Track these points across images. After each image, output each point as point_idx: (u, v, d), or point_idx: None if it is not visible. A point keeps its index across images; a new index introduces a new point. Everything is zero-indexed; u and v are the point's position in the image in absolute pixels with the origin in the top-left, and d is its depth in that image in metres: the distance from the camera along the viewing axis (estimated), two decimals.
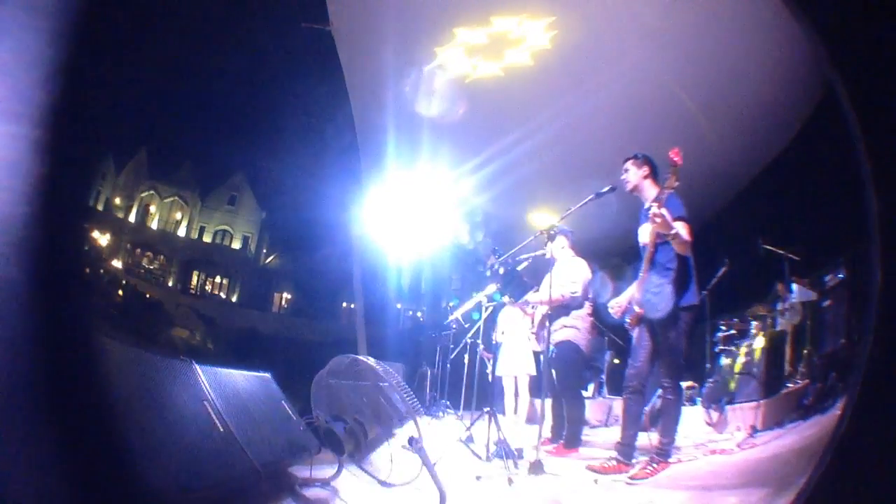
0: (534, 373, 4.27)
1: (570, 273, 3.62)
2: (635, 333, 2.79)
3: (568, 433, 3.52)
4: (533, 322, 4.13)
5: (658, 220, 2.46)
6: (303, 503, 2.04)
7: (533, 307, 4.10)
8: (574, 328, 3.58)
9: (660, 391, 2.98)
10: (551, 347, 3.50)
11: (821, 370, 3.26)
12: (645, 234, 2.70)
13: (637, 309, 2.75)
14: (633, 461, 2.69)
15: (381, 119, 5.35)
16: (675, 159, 2.39)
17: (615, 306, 2.90)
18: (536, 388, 4.31)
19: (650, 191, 2.79)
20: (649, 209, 2.57)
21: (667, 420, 2.67)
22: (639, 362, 2.74)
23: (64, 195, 1.11)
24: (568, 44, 4.22)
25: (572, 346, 3.55)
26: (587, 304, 3.69)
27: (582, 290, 3.62)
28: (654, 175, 2.83)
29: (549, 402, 3.63)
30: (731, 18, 3.67)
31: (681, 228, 2.56)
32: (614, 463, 2.67)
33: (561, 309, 3.60)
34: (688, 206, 2.69)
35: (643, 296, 2.71)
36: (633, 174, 2.85)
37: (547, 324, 3.49)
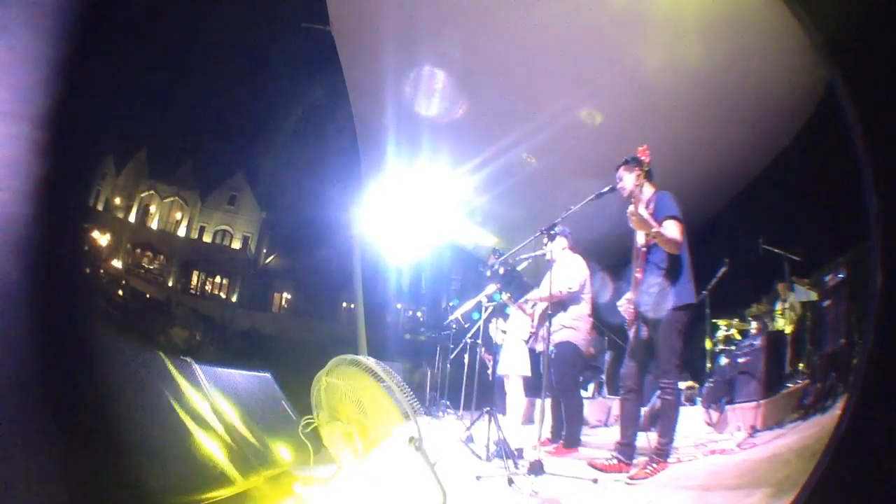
0: (526, 374, 4.27)
1: (567, 270, 3.63)
2: (631, 333, 2.80)
3: (567, 433, 3.52)
4: (532, 321, 4.13)
5: (633, 218, 2.47)
6: (303, 503, 2.04)
7: (533, 305, 4.11)
8: (574, 329, 3.59)
9: (658, 391, 2.98)
10: (550, 347, 3.50)
11: (821, 370, 3.26)
12: (640, 234, 2.72)
13: (632, 308, 2.75)
14: (634, 461, 2.69)
15: (381, 119, 5.35)
16: (642, 158, 2.44)
17: (623, 304, 2.89)
18: (535, 388, 4.31)
19: (647, 192, 2.79)
20: (647, 205, 2.58)
21: (665, 420, 2.67)
22: (634, 362, 2.74)
23: (64, 195, 1.11)
24: (568, 43, 4.22)
25: (571, 347, 3.55)
26: (587, 304, 3.69)
27: (579, 286, 3.62)
28: (649, 176, 2.83)
29: (549, 402, 3.64)
30: (731, 18, 3.67)
31: (671, 227, 2.56)
32: (615, 462, 2.67)
33: (560, 307, 3.60)
34: (687, 206, 2.69)
35: (639, 296, 2.71)
36: (628, 179, 2.84)
37: (547, 324, 3.50)
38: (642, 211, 2.47)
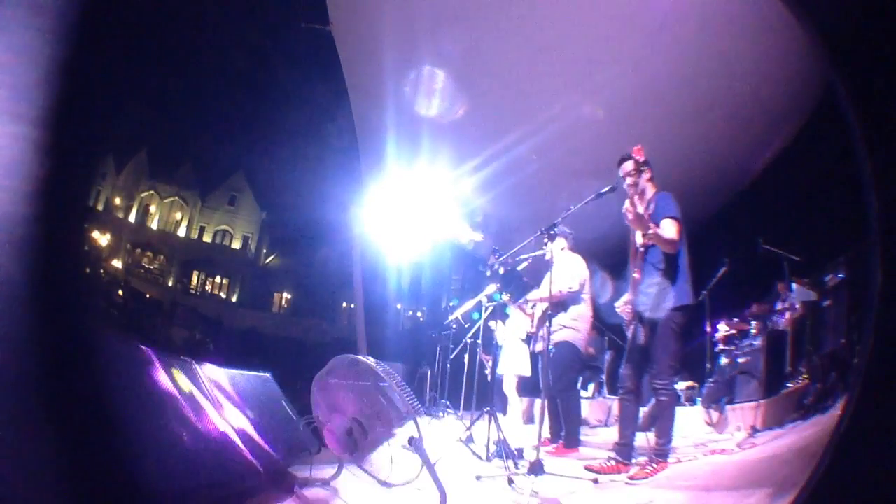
0: (525, 374, 4.26)
1: (567, 270, 3.62)
2: (629, 333, 2.80)
3: (566, 434, 3.52)
4: (532, 321, 4.13)
5: (630, 215, 2.47)
6: (303, 503, 2.04)
7: (533, 305, 4.11)
8: (573, 329, 3.58)
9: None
10: (550, 347, 3.50)
11: (821, 370, 3.26)
12: (637, 234, 2.72)
13: (630, 308, 2.75)
14: (632, 461, 2.68)
15: (381, 119, 5.35)
16: (637, 157, 2.44)
17: (621, 305, 2.89)
18: (536, 388, 4.31)
19: (649, 192, 2.79)
20: (646, 207, 2.58)
21: (662, 421, 2.67)
22: (632, 362, 2.74)
23: (64, 195, 1.11)
24: (568, 43, 4.22)
25: (570, 347, 3.55)
26: (587, 304, 3.69)
27: (579, 286, 3.62)
28: (652, 177, 2.83)
29: (547, 402, 3.63)
30: (731, 18, 3.67)
31: (668, 227, 2.56)
32: (613, 463, 2.67)
33: (560, 307, 3.60)
34: (687, 206, 2.69)
35: (636, 296, 2.71)
36: (635, 178, 2.82)
37: (547, 324, 3.50)
38: (640, 207, 2.47)
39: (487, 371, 4.82)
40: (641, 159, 2.53)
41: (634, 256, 2.74)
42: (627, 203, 2.48)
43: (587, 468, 2.67)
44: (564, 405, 3.55)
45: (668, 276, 2.62)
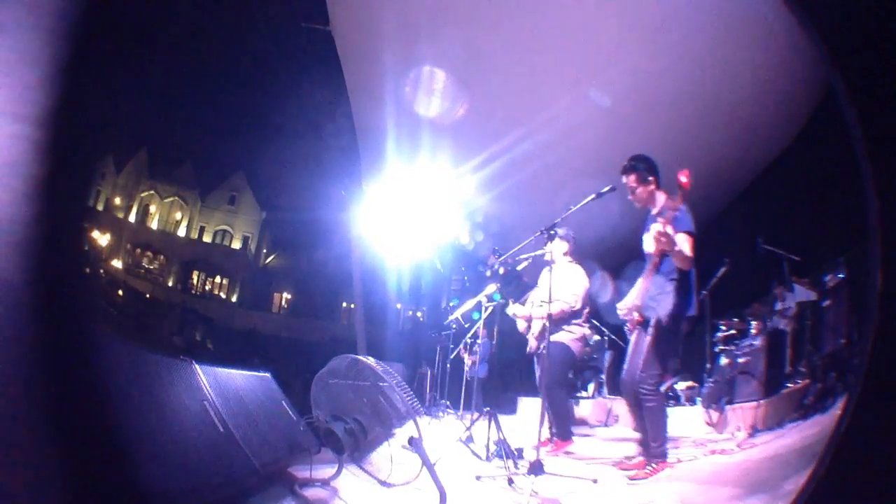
0: None
1: (567, 286, 3.58)
2: (633, 338, 2.79)
3: (556, 427, 3.57)
4: (528, 322, 4.12)
5: (663, 239, 2.44)
6: (303, 503, 2.04)
7: (532, 305, 4.09)
8: (566, 330, 3.58)
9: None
10: (545, 348, 3.50)
11: (821, 370, 3.26)
12: (650, 243, 2.68)
13: (636, 315, 2.74)
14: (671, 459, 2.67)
15: (381, 119, 5.35)
16: (683, 181, 2.36)
17: (623, 308, 2.88)
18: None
19: (660, 199, 2.77)
20: (661, 214, 2.56)
21: (653, 425, 2.65)
22: (633, 366, 2.74)
23: (64, 195, 1.11)
24: (569, 44, 4.22)
25: (562, 347, 3.55)
26: (584, 311, 3.68)
27: (581, 303, 3.60)
28: (658, 182, 2.80)
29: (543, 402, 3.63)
30: (732, 18, 3.67)
31: (684, 243, 2.54)
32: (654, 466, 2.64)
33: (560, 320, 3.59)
34: (688, 206, 2.68)
35: (644, 302, 2.70)
36: (641, 192, 2.80)
37: (547, 324, 3.49)
38: (670, 230, 2.44)
39: (467, 370, 4.84)
40: (688, 186, 2.46)
41: (647, 262, 2.72)
42: (659, 226, 2.44)
43: (620, 467, 2.70)
44: (550, 400, 3.53)
45: (678, 286, 2.62)
